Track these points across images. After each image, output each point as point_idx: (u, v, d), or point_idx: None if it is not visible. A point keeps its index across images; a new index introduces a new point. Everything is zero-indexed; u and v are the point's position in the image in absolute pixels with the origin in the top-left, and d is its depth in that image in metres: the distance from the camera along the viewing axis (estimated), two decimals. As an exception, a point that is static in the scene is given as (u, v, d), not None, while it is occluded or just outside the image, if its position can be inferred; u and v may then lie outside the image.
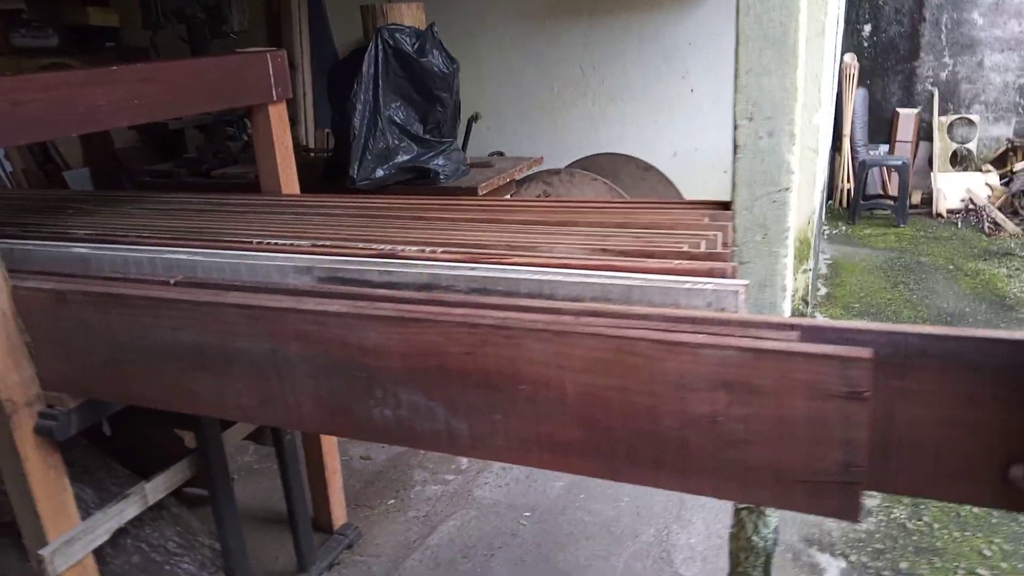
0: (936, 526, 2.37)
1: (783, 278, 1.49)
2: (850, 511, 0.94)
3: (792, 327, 0.96)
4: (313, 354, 1.17)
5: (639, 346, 0.95)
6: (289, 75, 1.91)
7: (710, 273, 1.15)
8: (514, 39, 4.03)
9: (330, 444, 2.30)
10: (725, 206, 1.56)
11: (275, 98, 1.88)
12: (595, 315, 1.04)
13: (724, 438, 0.96)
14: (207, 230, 1.64)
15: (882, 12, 6.33)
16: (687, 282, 1.11)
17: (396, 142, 2.85)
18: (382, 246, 1.43)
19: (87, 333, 1.32)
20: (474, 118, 3.87)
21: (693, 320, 1.00)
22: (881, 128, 6.62)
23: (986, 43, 6.14)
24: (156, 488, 1.70)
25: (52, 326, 1.36)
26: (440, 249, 1.38)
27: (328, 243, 1.48)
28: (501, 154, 3.69)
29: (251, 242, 1.53)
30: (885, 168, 6.31)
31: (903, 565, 2.21)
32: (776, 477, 0.96)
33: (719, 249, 1.29)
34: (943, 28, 6.36)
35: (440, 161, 2.91)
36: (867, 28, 6.33)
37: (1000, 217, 5.72)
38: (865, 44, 6.41)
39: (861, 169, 5.93)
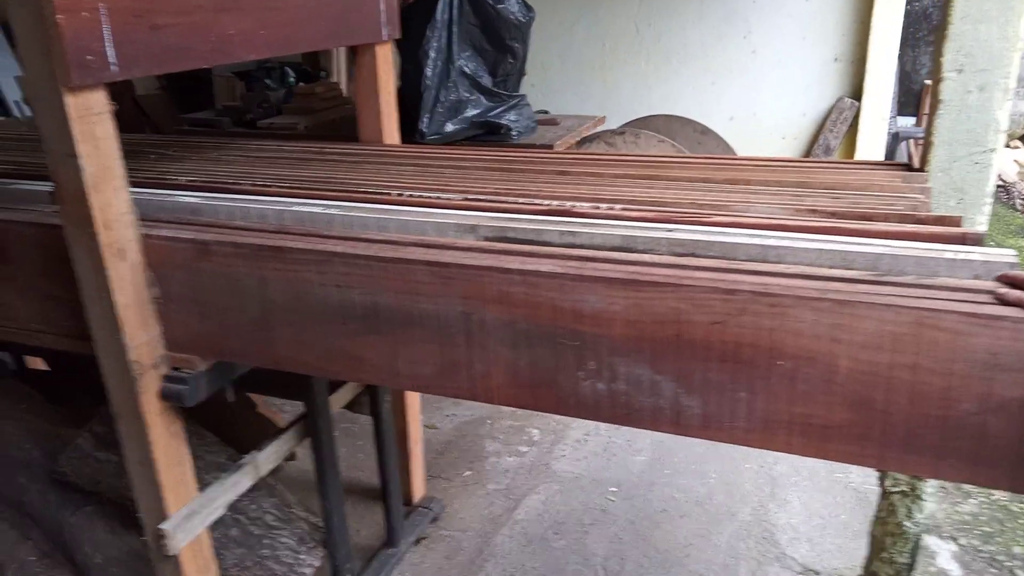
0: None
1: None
2: None
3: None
4: (515, 319, 1.03)
5: (945, 319, 0.83)
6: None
7: (963, 240, 1.03)
8: (566, -8, 3.84)
9: (414, 413, 2.17)
10: (909, 167, 1.43)
11: (384, 37, 1.72)
12: (868, 283, 0.92)
13: (1033, 425, 0.85)
14: (326, 180, 1.49)
15: (920, -21, 6.17)
16: (947, 250, 0.99)
17: (466, 95, 2.68)
18: (544, 202, 1.29)
19: (232, 289, 1.18)
20: (518, 74, 3.69)
21: (982, 291, 0.88)
22: (909, 100, 6.51)
23: (1023, 15, 6.01)
24: (267, 458, 1.57)
25: (188, 281, 1.21)
26: (617, 207, 1.24)
27: (479, 198, 1.34)
28: (546, 113, 3.53)
29: (388, 194, 1.38)
30: (914, 140, 6.21)
31: (1017, 550, 2.14)
32: (1089, 469, 0.85)
33: (943, 213, 1.17)
34: (978, -2, 6.20)
35: (512, 116, 2.74)
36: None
37: (1031, 193, 5.67)
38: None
39: (893, 141, 5.83)
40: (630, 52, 3.86)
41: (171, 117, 3.69)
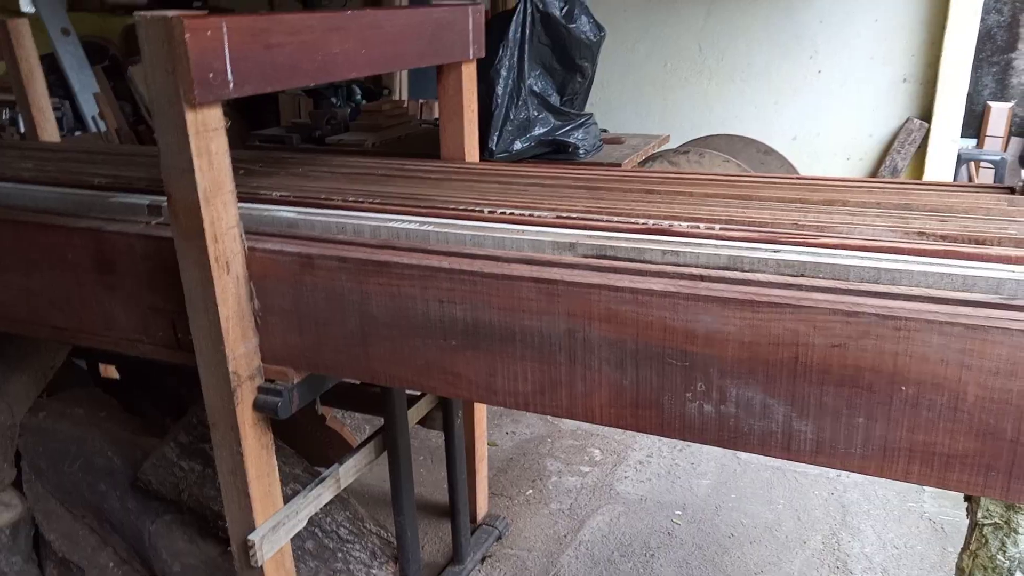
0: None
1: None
2: None
3: None
4: (622, 337, 1.03)
5: (1088, 347, 0.81)
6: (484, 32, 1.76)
7: (1091, 265, 0.99)
8: (627, 10, 3.85)
9: (481, 430, 2.17)
10: (1012, 190, 1.40)
11: (471, 56, 1.74)
12: (997, 308, 0.89)
13: None
14: (414, 196, 1.50)
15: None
16: (1082, 276, 0.95)
17: (535, 113, 2.70)
18: (640, 220, 1.28)
19: (333, 303, 1.19)
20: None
21: None
22: (971, 122, 6.36)
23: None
24: (348, 472, 1.58)
25: (289, 293, 1.23)
26: (717, 227, 1.23)
27: (571, 216, 1.33)
28: (606, 131, 3.53)
29: (482, 211, 1.39)
30: (976, 163, 6.06)
31: None
32: None
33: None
34: (1045, 19, 6.07)
35: (579, 135, 2.75)
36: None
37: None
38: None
39: (957, 163, 5.69)
40: (692, 71, 3.85)
41: (240, 133, 3.77)
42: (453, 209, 1.41)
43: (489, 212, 1.38)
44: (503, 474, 2.55)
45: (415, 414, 1.81)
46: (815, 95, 3.63)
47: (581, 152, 2.75)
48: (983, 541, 1.57)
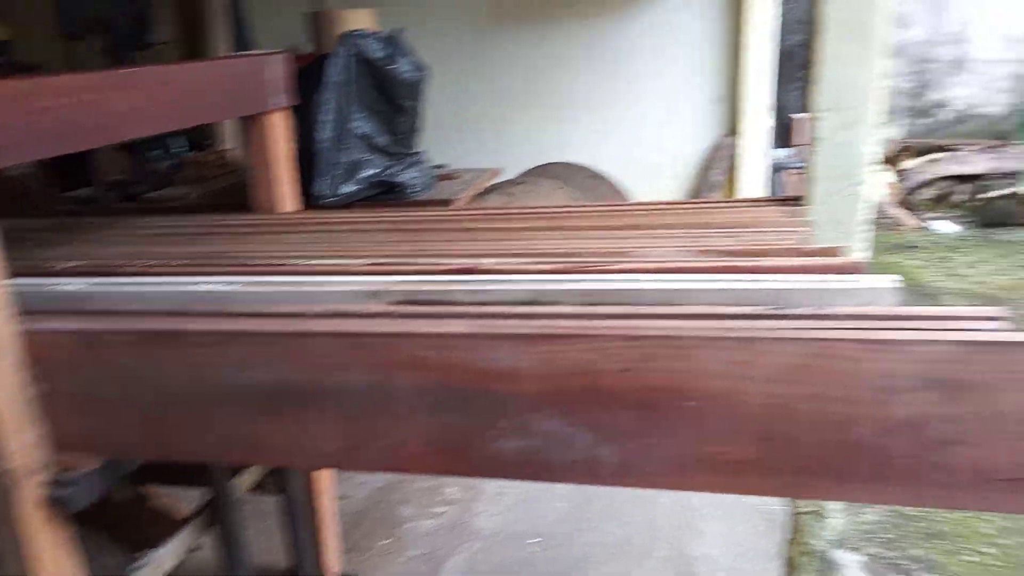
0: (933, 511, 2.43)
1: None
2: (1060, 507, 0.89)
3: (991, 317, 0.90)
4: (428, 384, 1.01)
5: (841, 348, 0.87)
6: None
7: (849, 269, 1.09)
8: (457, 47, 3.92)
9: (326, 486, 2.09)
10: (792, 202, 1.51)
11: (279, 105, 1.69)
12: (767, 319, 0.95)
13: (928, 441, 0.89)
14: (223, 255, 1.44)
15: (783, 23, 6.63)
16: (837, 281, 1.04)
17: (363, 155, 2.67)
18: (450, 260, 1.29)
19: (125, 381, 1.11)
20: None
21: (875, 317, 0.93)
22: (782, 133, 6.93)
23: (874, 52, 6.55)
24: (169, 555, 1.47)
25: (74, 375, 1.13)
26: (523, 261, 1.25)
27: (383, 261, 1.32)
28: (443, 167, 3.56)
29: (289, 264, 1.34)
30: (789, 171, 6.61)
31: (916, 552, 2.24)
32: (980, 478, 0.90)
33: (827, 245, 1.23)
34: (834, 39, 6.72)
35: (410, 174, 2.75)
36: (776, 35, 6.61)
37: (900, 212, 6.10)
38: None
39: (774, 172, 6.18)
40: (523, 102, 3.96)
41: (50, 197, 3.49)
42: (260, 265, 1.36)
43: (298, 265, 1.34)
44: (356, 528, 2.46)
45: (247, 481, 1.71)
46: (638, 118, 3.83)
47: (413, 191, 2.75)
48: (801, 529, 1.69)
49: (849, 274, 1.07)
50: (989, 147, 6.45)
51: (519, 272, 1.20)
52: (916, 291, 4.52)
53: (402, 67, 2.59)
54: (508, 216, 1.56)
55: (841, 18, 1.31)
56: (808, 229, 1.32)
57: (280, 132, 1.71)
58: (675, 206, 1.56)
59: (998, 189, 5.99)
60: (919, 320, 0.91)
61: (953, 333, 0.86)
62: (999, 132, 6.55)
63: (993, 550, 2.26)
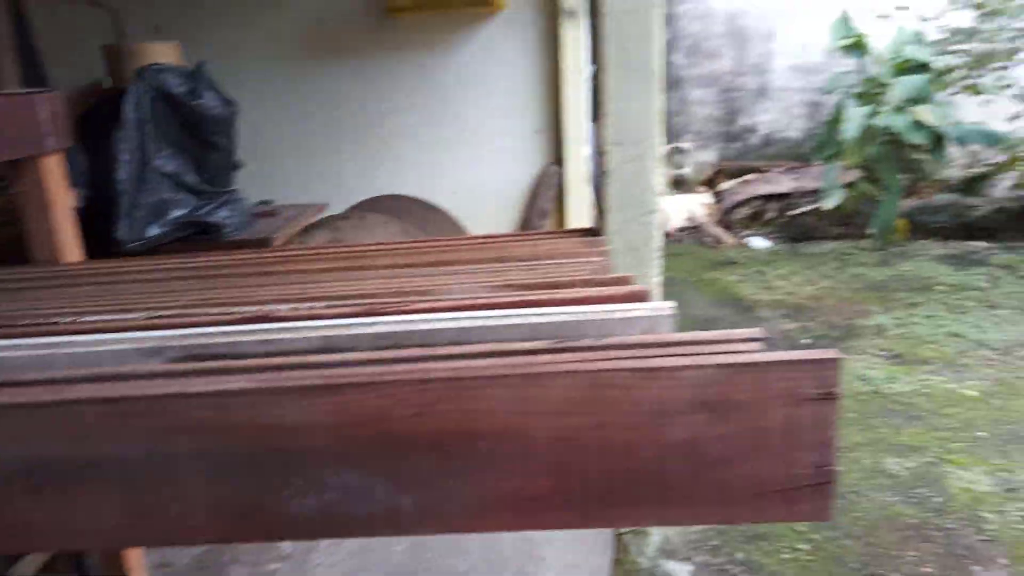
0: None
1: (657, 298, 1.53)
2: (824, 511, 0.96)
3: (751, 339, 0.97)
4: (209, 447, 0.95)
5: (618, 377, 0.90)
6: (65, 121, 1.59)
7: (634, 298, 1.13)
8: (279, 81, 3.82)
9: (134, 560, 1.92)
10: (591, 232, 1.57)
11: (52, 148, 1.55)
12: (550, 352, 0.97)
13: (703, 460, 0.93)
14: (-16, 314, 1.29)
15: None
16: (617, 310, 1.08)
17: (170, 195, 2.52)
18: (243, 309, 1.22)
19: None
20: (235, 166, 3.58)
21: (649, 345, 0.97)
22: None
23: (688, 81, 7.06)
24: (-66, 661, 1.28)
25: None
26: (320, 305, 1.21)
27: (167, 314, 1.23)
28: (268, 203, 3.45)
29: (57, 323, 1.23)
30: (620, 195, 6.97)
31: (740, 555, 2.37)
32: (754, 492, 0.95)
33: (619, 274, 1.28)
34: (651, 70, 7.18)
35: (224, 213, 2.62)
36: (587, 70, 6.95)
37: (718, 231, 6.57)
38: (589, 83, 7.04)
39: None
40: (351, 136, 3.91)
41: None
42: (27, 325, 1.23)
43: (68, 323, 1.22)
44: (184, 595, 2.29)
45: (32, 563, 1.54)
46: (466, 149, 3.88)
47: (229, 231, 2.63)
48: (625, 548, 1.74)
49: (635, 302, 1.12)
50: (792, 168, 7.10)
51: (314, 317, 1.16)
52: (735, 305, 4.86)
53: (208, 102, 2.48)
54: (312, 258, 1.51)
55: (621, 58, 1.38)
56: (605, 259, 1.37)
57: (56, 176, 1.57)
58: (482, 240, 1.57)
59: (802, 206, 6.59)
60: (688, 346, 0.96)
61: (717, 357, 0.91)
62: (800, 154, 7.23)
63: (807, 546, 2.44)
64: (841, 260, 5.69)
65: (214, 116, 2.53)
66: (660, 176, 1.46)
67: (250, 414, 0.94)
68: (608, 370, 0.90)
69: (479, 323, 1.08)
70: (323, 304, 1.21)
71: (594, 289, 1.20)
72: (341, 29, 3.75)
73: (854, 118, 5.80)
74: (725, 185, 7.13)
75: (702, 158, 7.24)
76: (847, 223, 6.25)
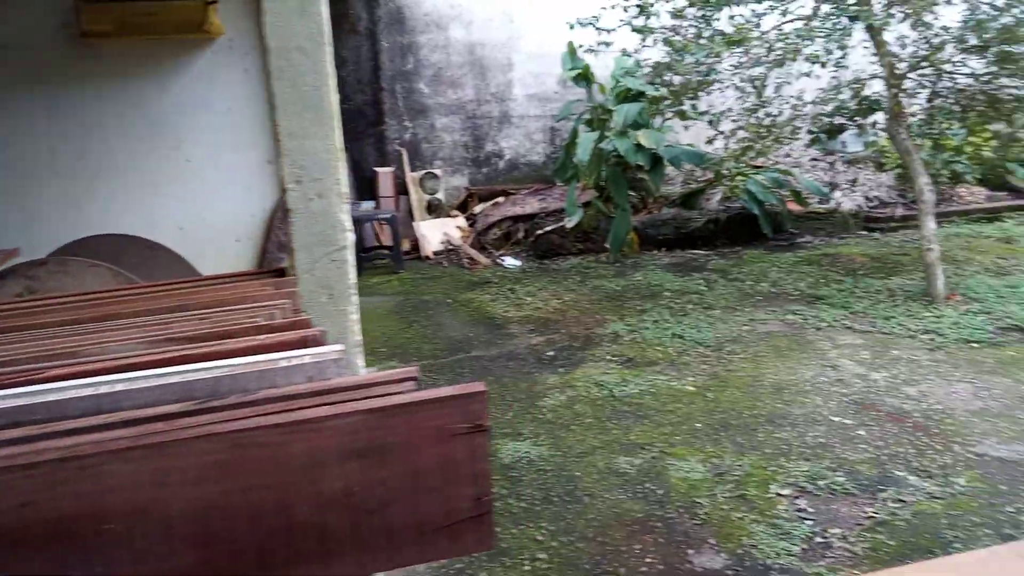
0: (498, 530, 2.65)
1: (355, 334, 1.50)
2: (486, 541, 0.98)
3: (402, 380, 0.97)
4: None
5: (261, 435, 0.85)
6: None
7: (304, 343, 1.09)
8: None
9: None
10: (281, 272, 1.51)
11: None
12: (190, 415, 0.90)
13: (362, 508, 0.91)
14: None
15: (347, 83, 6.93)
16: (281, 358, 1.03)
17: None
18: None
19: None
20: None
21: (301, 395, 0.94)
22: (364, 186, 7.23)
23: (434, 109, 7.22)
24: None
25: None
26: (-67, 380, 1.04)
27: None
28: (-50, 251, 2.98)
29: None
30: (376, 222, 6.92)
31: (483, 575, 2.42)
32: (418, 532, 0.95)
33: (298, 316, 1.24)
34: (399, 97, 7.26)
35: None
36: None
37: (474, 253, 6.76)
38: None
39: (356, 225, 6.38)
40: (49, 173, 3.50)
41: None
42: None
43: None
44: None
45: None
46: (191, 183, 3.63)
47: None
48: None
49: (306, 348, 1.08)
50: (537, 190, 7.52)
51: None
52: (488, 323, 5.01)
53: None
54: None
55: (294, 96, 1.35)
56: (291, 301, 1.32)
57: None
58: (164, 287, 1.45)
59: (548, 226, 6.98)
60: (343, 392, 0.94)
61: (366, 402, 0.90)
62: (544, 177, 7.67)
63: (545, 555, 2.54)
64: (583, 274, 6.10)
65: None
66: (347, 212, 1.44)
67: None
68: (249, 429, 0.85)
69: (120, 387, 0.98)
70: (-64, 379, 1.03)
71: (265, 337, 1.14)
72: (27, 55, 3.35)
73: (585, 142, 6.27)
74: (478, 208, 7.37)
75: (454, 183, 7.43)
76: (587, 239, 6.73)
